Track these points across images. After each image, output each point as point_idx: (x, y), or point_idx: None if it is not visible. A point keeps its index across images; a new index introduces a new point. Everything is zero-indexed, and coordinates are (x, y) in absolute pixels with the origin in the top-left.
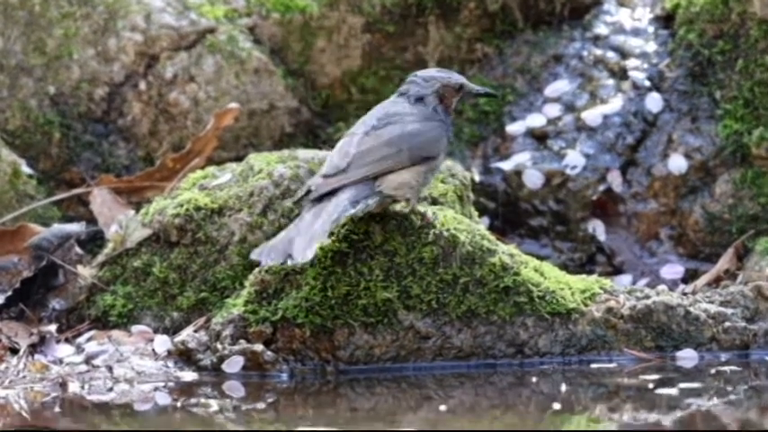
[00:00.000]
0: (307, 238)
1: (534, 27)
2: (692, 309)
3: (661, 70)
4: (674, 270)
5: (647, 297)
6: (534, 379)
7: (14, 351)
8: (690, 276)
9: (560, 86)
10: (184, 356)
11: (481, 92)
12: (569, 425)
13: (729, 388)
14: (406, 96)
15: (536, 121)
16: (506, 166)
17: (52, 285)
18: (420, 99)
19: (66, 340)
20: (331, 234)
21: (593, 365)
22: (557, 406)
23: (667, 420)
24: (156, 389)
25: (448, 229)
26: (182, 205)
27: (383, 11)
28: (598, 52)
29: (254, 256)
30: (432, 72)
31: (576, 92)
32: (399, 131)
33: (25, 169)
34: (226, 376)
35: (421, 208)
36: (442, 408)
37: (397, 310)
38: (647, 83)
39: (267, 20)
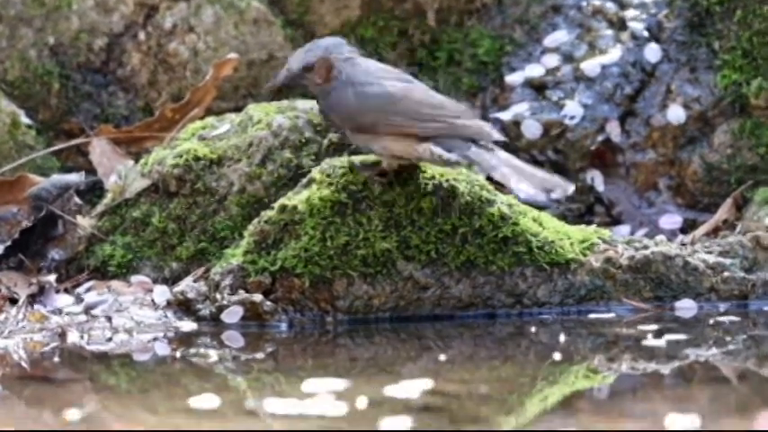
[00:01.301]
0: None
1: None
2: (690, 259)
3: (660, 20)
4: (672, 220)
5: (646, 247)
6: (533, 329)
7: (14, 301)
8: (688, 227)
9: (559, 37)
10: (183, 307)
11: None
12: (568, 375)
13: (728, 338)
14: None
15: (535, 71)
16: (505, 116)
17: (51, 236)
18: None
19: (66, 290)
20: (330, 184)
21: (592, 315)
22: (556, 356)
23: (666, 370)
24: (155, 339)
25: (447, 180)
26: (181, 156)
27: None
28: (597, 2)
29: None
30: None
31: (575, 42)
32: None
33: (24, 120)
34: (225, 326)
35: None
36: (442, 357)
37: (396, 260)
38: (646, 33)
39: None
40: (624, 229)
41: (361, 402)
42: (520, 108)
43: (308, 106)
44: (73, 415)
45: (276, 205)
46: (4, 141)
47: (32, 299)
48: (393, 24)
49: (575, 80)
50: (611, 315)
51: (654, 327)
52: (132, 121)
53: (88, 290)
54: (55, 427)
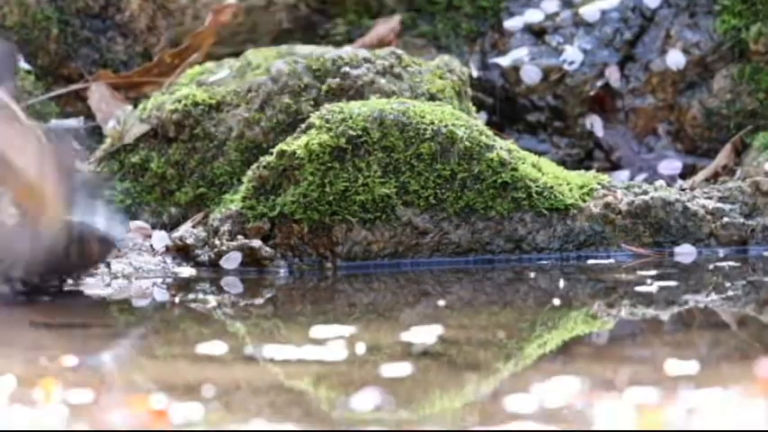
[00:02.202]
0: None
1: None
2: (689, 204)
3: None
4: (671, 165)
5: (645, 192)
6: (532, 275)
7: None
8: (688, 172)
9: None
10: (182, 252)
11: None
12: (567, 320)
13: (727, 283)
14: None
15: (534, 16)
16: (504, 61)
17: None
18: None
19: None
20: (330, 130)
21: (591, 261)
22: (555, 301)
23: (665, 315)
24: (154, 284)
25: (446, 125)
26: (180, 101)
27: None
28: None
29: None
30: None
31: None
32: None
33: (23, 65)
34: (224, 272)
35: None
36: (441, 303)
37: (396, 205)
38: None
39: None
40: (623, 175)
41: (360, 348)
42: (519, 53)
43: (307, 51)
44: (71, 361)
45: (275, 151)
46: None
47: None
48: None
49: (574, 25)
50: (611, 261)
51: (653, 272)
52: (131, 67)
53: None
54: (53, 373)
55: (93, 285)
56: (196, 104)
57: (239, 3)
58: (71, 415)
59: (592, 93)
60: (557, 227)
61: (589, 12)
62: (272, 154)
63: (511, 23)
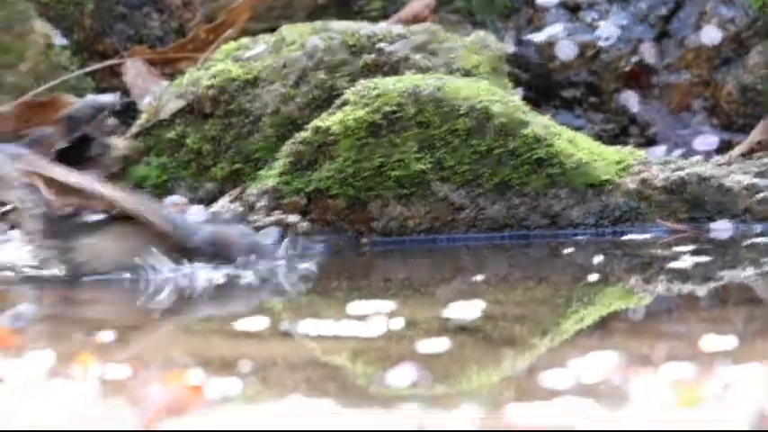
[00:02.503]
0: None
1: None
2: (725, 180)
3: None
4: (707, 141)
5: (681, 168)
6: (568, 250)
7: None
8: (723, 147)
9: None
10: None
11: None
12: (603, 296)
13: (763, 259)
14: None
15: None
16: (539, 37)
17: (86, 156)
18: None
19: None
20: (365, 105)
21: (627, 237)
22: (591, 277)
23: (701, 291)
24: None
25: (481, 101)
26: (215, 76)
27: None
28: None
29: None
30: None
31: None
32: None
33: (59, 40)
34: None
35: None
36: (476, 278)
37: (431, 181)
38: None
39: None
40: (659, 150)
41: (397, 323)
42: (554, 29)
43: (342, 27)
44: (108, 336)
45: (310, 126)
46: (39, 62)
47: None
48: None
49: (609, 1)
50: (646, 236)
51: (689, 248)
52: (166, 42)
53: None
54: (89, 348)
55: None
56: (232, 80)
57: None
58: (108, 391)
59: (627, 69)
60: (592, 202)
61: None
62: (307, 130)
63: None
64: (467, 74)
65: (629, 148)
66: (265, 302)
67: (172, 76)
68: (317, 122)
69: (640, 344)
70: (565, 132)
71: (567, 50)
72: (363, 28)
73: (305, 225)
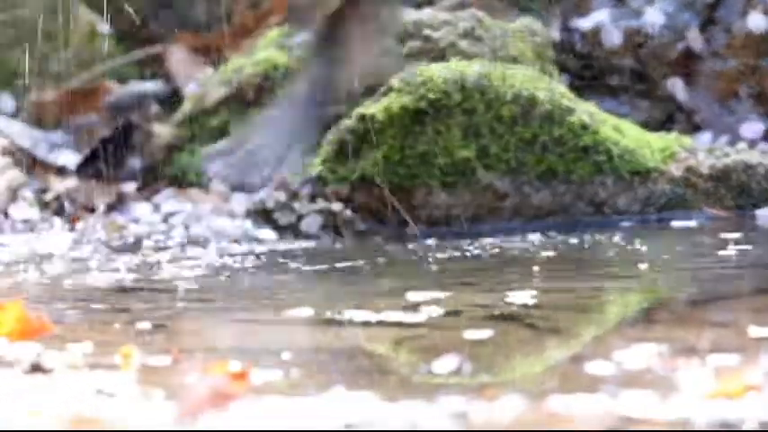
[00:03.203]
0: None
1: None
2: None
3: None
4: (753, 128)
5: (727, 155)
6: (614, 238)
7: (92, 210)
8: None
9: None
10: (262, 215)
11: None
12: (648, 284)
13: None
14: None
15: None
16: (585, 24)
17: (130, 144)
18: None
19: (145, 199)
20: (409, 93)
21: (673, 224)
22: (636, 265)
23: (747, 279)
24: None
25: (527, 88)
26: (259, 64)
27: None
28: None
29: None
30: None
31: None
32: None
33: (102, 27)
34: (304, 235)
35: None
36: (522, 267)
37: (476, 169)
38: None
39: None
40: (705, 137)
41: (442, 311)
42: (600, 16)
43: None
44: (145, 325)
45: (354, 114)
46: (83, 49)
47: (111, 208)
48: None
49: None
50: (692, 223)
51: (735, 235)
52: (211, 29)
53: (167, 199)
54: (128, 340)
55: (172, 248)
56: (275, 67)
57: None
58: (150, 379)
59: (673, 56)
60: (638, 190)
61: None
62: (351, 117)
63: None
64: (512, 61)
65: (674, 134)
66: (310, 289)
67: (216, 64)
68: (361, 110)
69: (686, 333)
70: (610, 119)
71: (612, 37)
72: (409, 14)
73: (349, 213)
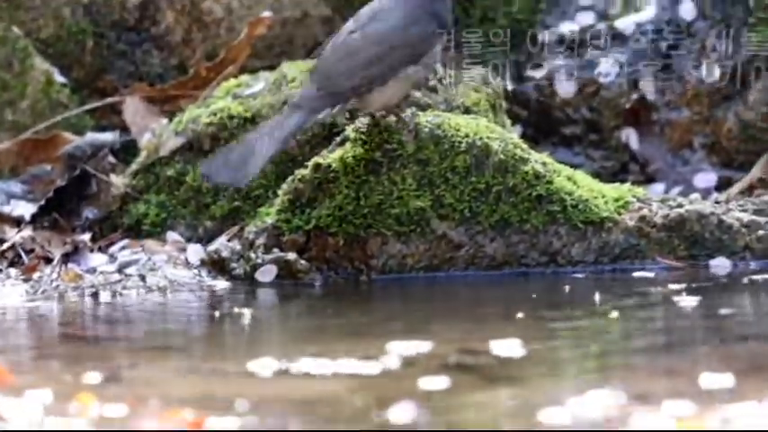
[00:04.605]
0: (259, 160)
1: None
2: (725, 217)
3: None
4: (707, 178)
5: (681, 206)
6: (567, 288)
7: (48, 260)
8: (723, 185)
9: None
10: (217, 265)
11: None
12: (603, 333)
13: (763, 296)
14: None
15: (569, 28)
16: (539, 74)
17: (85, 194)
18: None
19: (100, 249)
20: (365, 143)
21: (626, 274)
22: (590, 314)
23: (700, 328)
24: (188, 298)
25: (481, 138)
26: (215, 114)
27: None
28: None
29: (203, 169)
30: None
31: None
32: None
33: (58, 78)
34: (259, 285)
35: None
36: (475, 315)
37: (430, 219)
38: None
39: None
40: (659, 188)
41: (395, 361)
42: (554, 66)
43: None
44: (95, 378)
45: (310, 164)
46: (39, 99)
47: (67, 258)
48: None
49: (609, 38)
50: (646, 273)
51: (688, 285)
52: (166, 80)
53: (122, 249)
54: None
55: (129, 299)
56: (231, 117)
57: (274, 15)
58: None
59: (627, 105)
60: (592, 240)
61: (624, 24)
62: (307, 167)
63: (545, 36)
64: (467, 111)
65: (628, 185)
66: (264, 340)
67: (172, 114)
68: (316, 160)
69: (638, 380)
70: (564, 169)
71: (566, 87)
72: None
73: (303, 263)
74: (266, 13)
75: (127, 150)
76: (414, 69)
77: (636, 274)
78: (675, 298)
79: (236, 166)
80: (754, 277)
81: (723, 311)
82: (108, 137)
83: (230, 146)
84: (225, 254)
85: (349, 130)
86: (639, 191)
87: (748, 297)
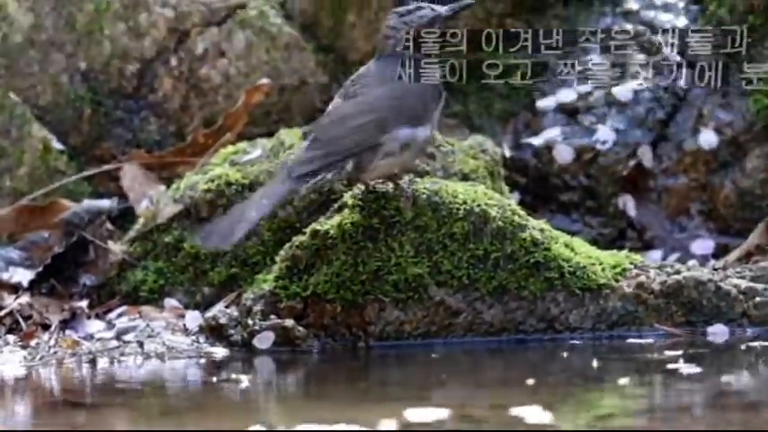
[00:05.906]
0: (244, 225)
1: (565, 2)
2: (722, 284)
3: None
4: (704, 245)
5: (678, 272)
6: (565, 354)
7: (46, 327)
8: (720, 252)
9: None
10: (215, 332)
11: (456, 9)
12: (601, 399)
13: (761, 363)
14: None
15: (566, 96)
16: (537, 141)
17: (83, 261)
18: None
19: (97, 316)
20: (361, 209)
21: (624, 341)
22: (588, 381)
23: (698, 395)
24: (186, 365)
25: (479, 205)
26: (213, 180)
27: None
28: (629, 27)
29: (197, 240)
30: (392, 20)
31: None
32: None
33: (56, 145)
34: (256, 352)
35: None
36: (474, 383)
37: (428, 285)
38: (678, 58)
39: None
40: (656, 254)
41: (391, 426)
42: (552, 133)
43: None
44: None
45: (308, 230)
46: (36, 167)
47: (64, 324)
48: None
49: (606, 105)
50: (644, 340)
51: (685, 352)
52: (164, 147)
53: (120, 315)
54: None
55: (127, 366)
56: (229, 184)
57: (272, 83)
58: None
59: (624, 172)
60: (589, 306)
61: (622, 92)
62: (304, 234)
63: (543, 103)
64: (464, 178)
65: (625, 252)
66: (261, 408)
67: (169, 181)
68: (314, 226)
69: None
70: (562, 236)
71: (564, 154)
72: None
73: (301, 329)
74: (264, 81)
75: (124, 217)
76: (409, 133)
77: (634, 340)
78: (673, 365)
79: (224, 233)
80: (752, 344)
81: (720, 378)
82: (105, 204)
83: (223, 215)
84: (223, 320)
85: (347, 197)
86: (637, 258)
87: (746, 364)
